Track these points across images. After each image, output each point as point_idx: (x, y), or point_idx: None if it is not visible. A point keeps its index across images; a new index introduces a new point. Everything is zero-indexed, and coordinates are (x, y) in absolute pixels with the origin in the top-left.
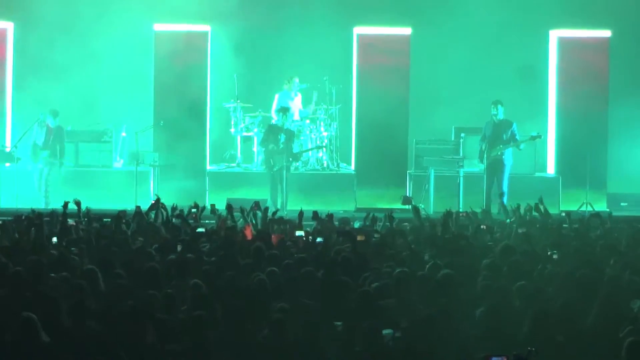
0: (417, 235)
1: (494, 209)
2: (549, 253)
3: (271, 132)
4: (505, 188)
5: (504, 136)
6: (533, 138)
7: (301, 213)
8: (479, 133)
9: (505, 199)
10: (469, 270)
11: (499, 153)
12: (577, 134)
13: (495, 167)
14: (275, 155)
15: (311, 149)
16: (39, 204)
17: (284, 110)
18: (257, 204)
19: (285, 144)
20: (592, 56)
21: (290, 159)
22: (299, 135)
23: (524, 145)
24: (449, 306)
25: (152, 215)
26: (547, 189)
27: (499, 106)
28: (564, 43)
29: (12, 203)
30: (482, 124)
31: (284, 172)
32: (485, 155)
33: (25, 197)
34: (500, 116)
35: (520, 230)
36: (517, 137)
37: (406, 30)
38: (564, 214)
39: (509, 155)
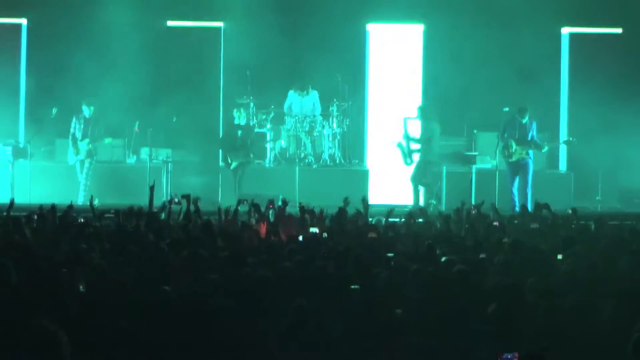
0: (427, 232)
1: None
2: (559, 257)
3: (229, 128)
4: (529, 189)
5: (529, 136)
6: (566, 142)
7: (321, 212)
8: (491, 129)
9: (529, 202)
10: (480, 266)
11: (524, 155)
12: (589, 131)
13: (520, 168)
14: (232, 152)
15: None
16: (77, 199)
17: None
18: (271, 202)
19: (241, 141)
20: (603, 53)
21: (251, 155)
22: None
23: (547, 148)
24: (463, 302)
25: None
26: (559, 186)
27: (526, 114)
28: (575, 40)
29: (26, 198)
30: (494, 120)
31: (242, 168)
32: (501, 153)
33: (38, 192)
34: (527, 120)
35: (532, 226)
36: (536, 137)
37: (419, 27)
38: (570, 211)
39: (531, 156)
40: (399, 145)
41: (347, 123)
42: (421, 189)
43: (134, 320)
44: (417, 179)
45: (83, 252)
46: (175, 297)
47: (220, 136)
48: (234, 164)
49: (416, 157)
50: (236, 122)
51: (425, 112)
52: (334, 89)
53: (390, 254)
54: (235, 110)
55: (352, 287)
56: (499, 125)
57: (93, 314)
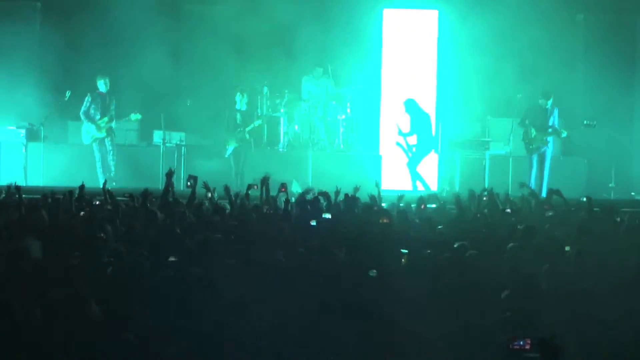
0: (440, 217)
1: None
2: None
3: (230, 113)
4: (546, 177)
5: (550, 121)
6: (586, 126)
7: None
8: (505, 115)
9: (544, 189)
10: (494, 252)
11: (544, 142)
12: (604, 117)
13: (539, 155)
14: (228, 138)
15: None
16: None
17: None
18: (283, 186)
19: (240, 126)
20: (618, 39)
21: (247, 138)
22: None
23: (566, 134)
24: (475, 288)
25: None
26: (573, 172)
27: (550, 98)
28: (590, 25)
29: (39, 181)
30: (508, 106)
31: (244, 154)
32: (522, 140)
33: (52, 175)
34: (549, 105)
35: (548, 214)
36: (557, 123)
37: (433, 13)
38: (584, 199)
39: (551, 143)
40: (398, 144)
41: (361, 108)
42: (425, 174)
43: (149, 304)
44: (411, 166)
45: (98, 236)
46: (190, 281)
47: (221, 121)
48: (229, 149)
49: (415, 149)
50: (237, 106)
51: (410, 105)
52: (348, 74)
53: (404, 250)
54: (238, 93)
55: (370, 273)
56: (513, 111)
57: (110, 297)
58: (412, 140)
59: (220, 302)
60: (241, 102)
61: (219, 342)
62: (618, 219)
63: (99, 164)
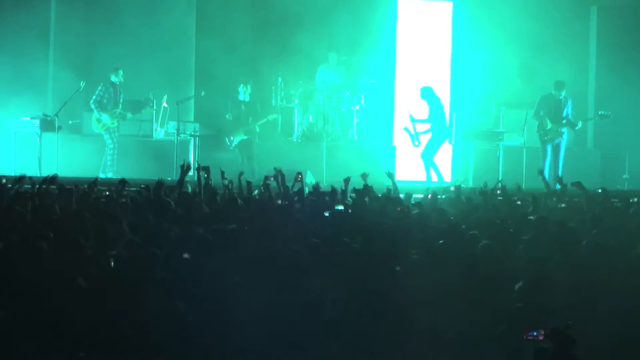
0: (453, 208)
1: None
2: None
3: (233, 105)
4: (560, 168)
5: (564, 112)
6: (601, 117)
7: (343, 191)
8: (519, 107)
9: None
10: (507, 244)
11: (559, 133)
12: (617, 107)
13: (553, 146)
14: (234, 129)
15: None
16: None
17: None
18: (300, 174)
19: (244, 118)
20: (632, 29)
21: (255, 130)
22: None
23: (581, 125)
24: (489, 278)
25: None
26: (586, 163)
27: (563, 89)
28: (604, 15)
29: (53, 172)
30: (521, 97)
31: (249, 147)
32: (537, 132)
33: (66, 166)
34: (563, 96)
35: (560, 205)
36: (571, 114)
37: (447, 4)
38: (599, 190)
39: (565, 134)
40: (406, 129)
41: (375, 99)
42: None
43: (166, 294)
44: (427, 156)
45: (112, 227)
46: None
47: (226, 115)
48: (235, 141)
49: (422, 137)
50: (240, 97)
51: (427, 92)
52: (363, 65)
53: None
54: (241, 84)
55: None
56: (526, 102)
57: (124, 289)
58: (421, 127)
59: (232, 292)
60: (244, 93)
61: (226, 332)
62: (635, 200)
63: (109, 152)
